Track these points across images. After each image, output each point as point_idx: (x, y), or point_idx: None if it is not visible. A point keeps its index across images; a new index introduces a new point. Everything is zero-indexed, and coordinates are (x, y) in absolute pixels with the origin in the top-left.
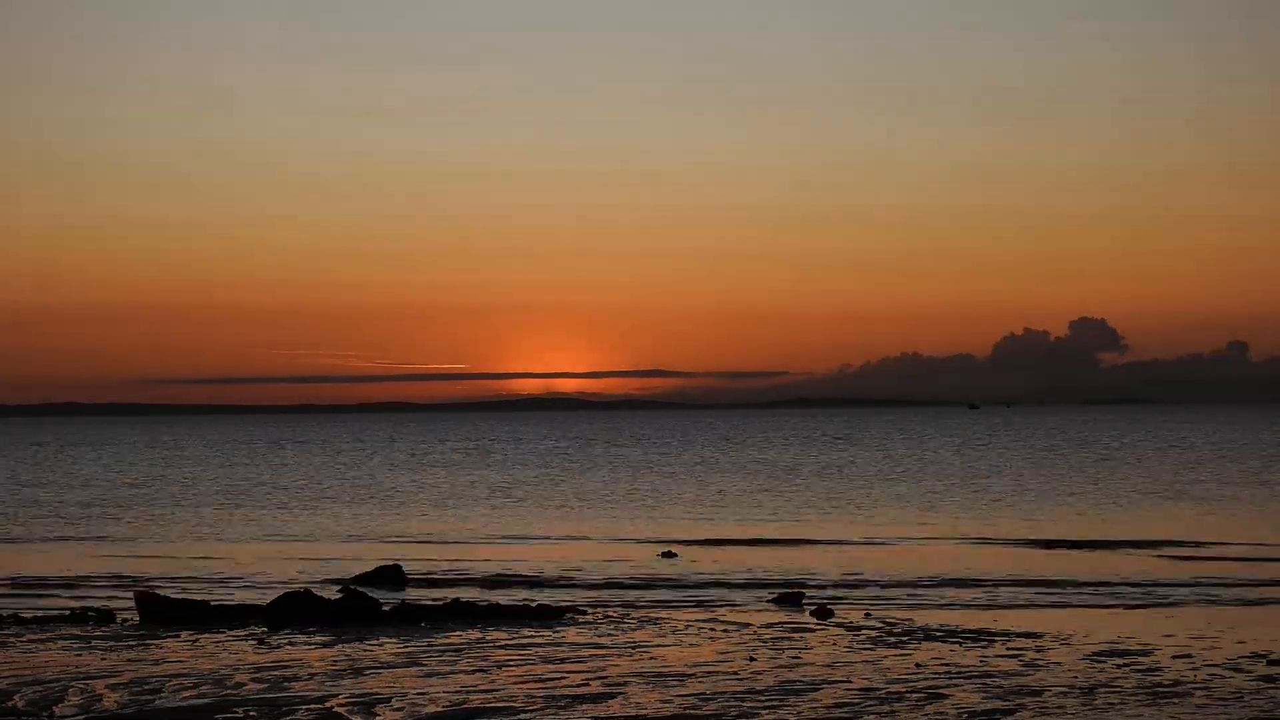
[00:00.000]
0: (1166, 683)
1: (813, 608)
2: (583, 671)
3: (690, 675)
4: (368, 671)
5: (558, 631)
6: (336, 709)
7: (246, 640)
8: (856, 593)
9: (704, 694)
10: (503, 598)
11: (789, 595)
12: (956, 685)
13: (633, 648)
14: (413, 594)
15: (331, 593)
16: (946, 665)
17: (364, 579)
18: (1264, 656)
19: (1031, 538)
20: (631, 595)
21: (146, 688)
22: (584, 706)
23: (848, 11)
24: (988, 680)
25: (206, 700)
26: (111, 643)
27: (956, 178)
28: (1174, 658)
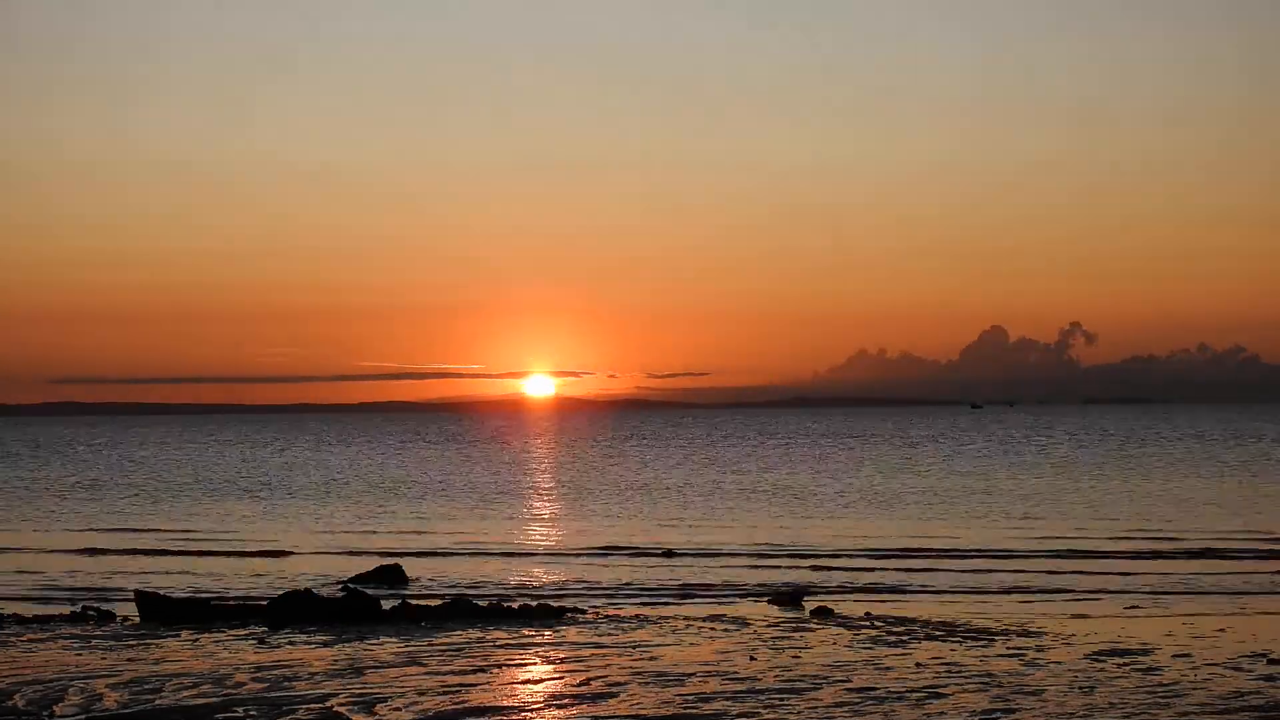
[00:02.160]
0: (1166, 682)
1: (813, 607)
2: (583, 671)
3: (690, 675)
4: (368, 671)
5: (558, 631)
6: (337, 708)
7: (247, 639)
8: (857, 592)
9: (704, 694)
10: (503, 597)
11: (789, 595)
12: (956, 685)
13: (633, 648)
14: (413, 593)
15: (332, 592)
16: (946, 665)
17: (364, 578)
18: (1264, 656)
19: (1042, 538)
20: (632, 595)
21: (147, 687)
22: (584, 706)
23: (833, 13)
24: (988, 680)
25: (207, 700)
26: (111, 642)
27: (925, 178)
28: (1174, 657)
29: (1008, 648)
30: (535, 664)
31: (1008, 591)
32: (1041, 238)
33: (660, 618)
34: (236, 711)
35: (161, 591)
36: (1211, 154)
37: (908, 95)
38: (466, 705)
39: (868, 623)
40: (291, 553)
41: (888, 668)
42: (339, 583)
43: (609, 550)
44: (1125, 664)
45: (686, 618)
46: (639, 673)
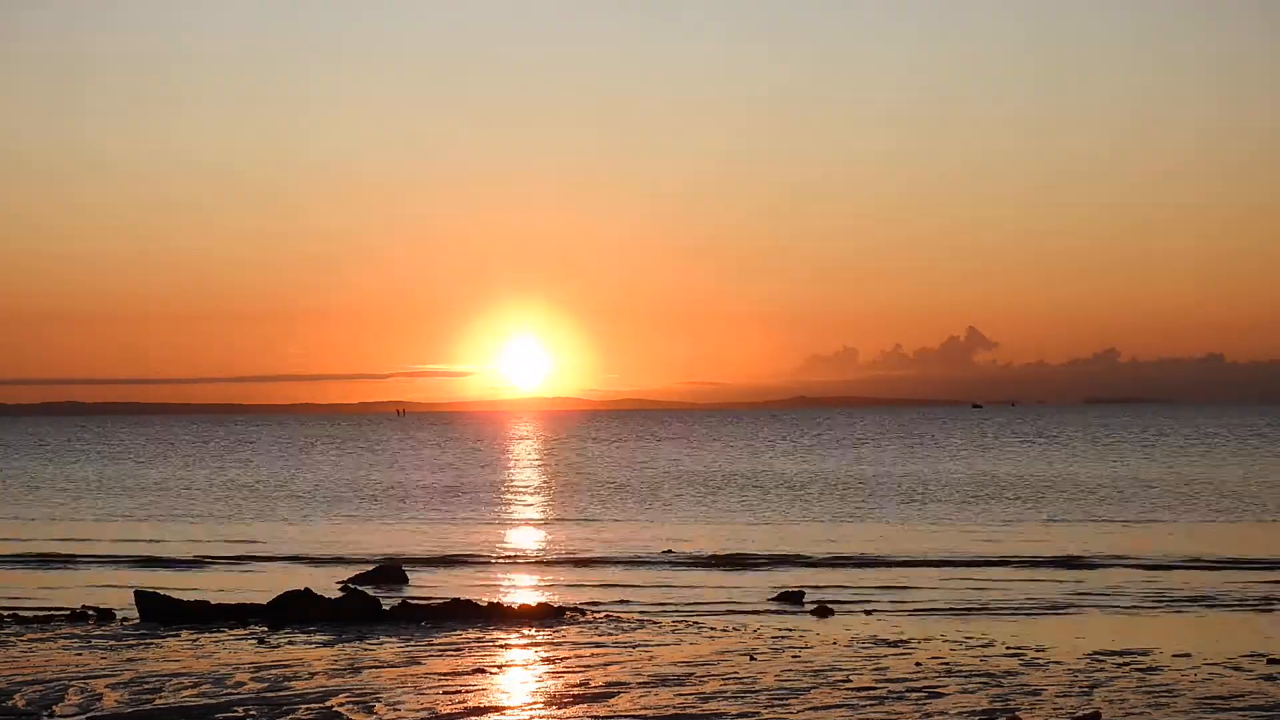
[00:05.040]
0: (1166, 683)
1: (813, 607)
2: (583, 671)
3: (690, 675)
4: (368, 670)
5: (558, 631)
6: (337, 708)
7: (247, 639)
8: (857, 592)
9: (704, 694)
10: (504, 597)
11: (790, 594)
12: (956, 685)
13: (633, 647)
14: (413, 592)
15: (332, 591)
16: (946, 665)
17: (365, 577)
18: (1264, 656)
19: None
20: (632, 594)
21: (146, 687)
22: (584, 706)
23: (809, 9)
24: (988, 680)
25: (207, 700)
26: (112, 642)
27: (898, 176)
28: (1174, 657)
29: (1007, 648)
30: (535, 664)
31: (1010, 591)
32: (1015, 240)
33: (660, 618)
34: (236, 711)
35: (162, 591)
36: (1182, 155)
37: (888, 94)
38: (466, 705)
39: (868, 623)
40: (294, 554)
41: (887, 668)
42: (339, 582)
43: (609, 550)
44: (1125, 664)
45: (686, 618)
46: (639, 673)
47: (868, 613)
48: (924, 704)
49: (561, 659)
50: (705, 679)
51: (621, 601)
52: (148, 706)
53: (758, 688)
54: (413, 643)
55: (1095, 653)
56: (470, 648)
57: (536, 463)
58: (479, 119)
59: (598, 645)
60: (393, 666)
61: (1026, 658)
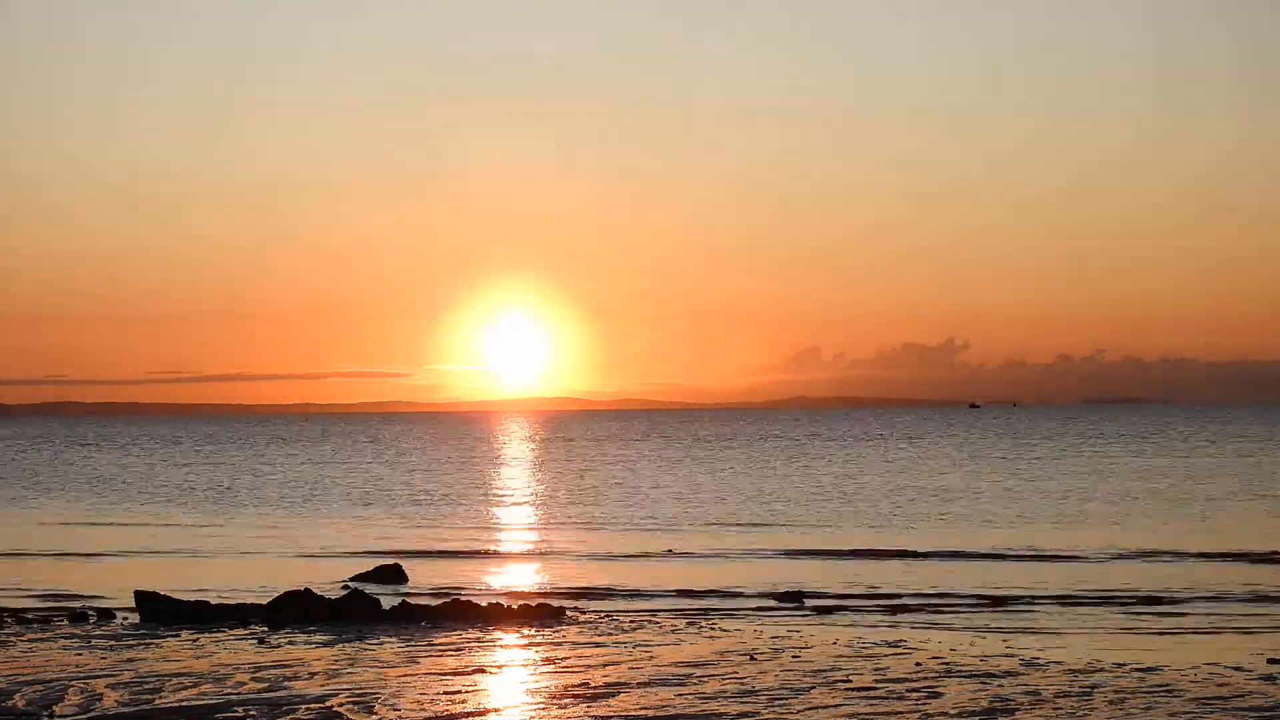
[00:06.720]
0: (1166, 682)
1: (813, 607)
2: (583, 671)
3: (690, 675)
4: (368, 670)
5: (558, 631)
6: (337, 708)
7: (247, 639)
8: (857, 593)
9: (704, 694)
10: (503, 597)
11: (790, 595)
12: (957, 685)
13: (633, 648)
14: (413, 592)
15: (332, 591)
16: (946, 665)
17: (364, 577)
18: (1264, 656)
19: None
20: (632, 595)
21: (147, 687)
22: (584, 706)
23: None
24: (987, 680)
25: (207, 700)
26: (111, 642)
27: (884, 178)
28: (1174, 657)
29: (1007, 647)
30: (535, 664)
31: (1009, 592)
32: (1008, 240)
33: (660, 618)
34: (236, 711)
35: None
36: (1166, 155)
37: (882, 98)
38: (466, 705)
39: (868, 623)
40: (293, 553)
41: (887, 668)
42: (339, 582)
43: (609, 550)
44: (1125, 664)
45: (686, 618)
46: (639, 673)
47: (868, 612)
48: (924, 704)
49: (561, 659)
50: (705, 679)
51: (622, 601)
52: (148, 707)
53: (758, 688)
54: (413, 643)
55: (1095, 653)
56: (470, 648)
57: (536, 466)
58: (475, 119)
59: (598, 645)
60: (393, 666)
61: (1026, 658)
